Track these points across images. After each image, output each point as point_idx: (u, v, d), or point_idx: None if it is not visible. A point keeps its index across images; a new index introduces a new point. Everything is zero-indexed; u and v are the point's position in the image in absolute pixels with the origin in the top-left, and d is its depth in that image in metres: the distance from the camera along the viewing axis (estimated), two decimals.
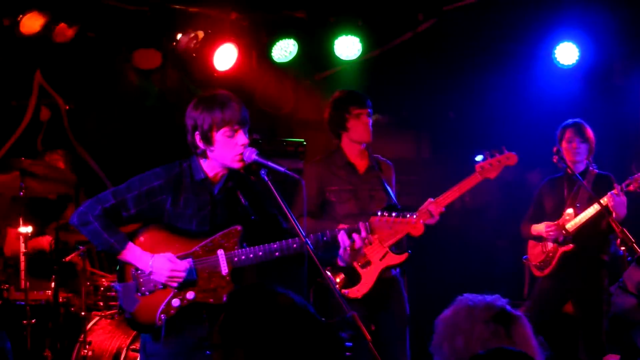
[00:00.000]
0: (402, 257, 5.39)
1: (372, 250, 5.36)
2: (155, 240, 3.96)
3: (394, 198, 5.53)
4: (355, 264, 5.35)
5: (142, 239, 3.97)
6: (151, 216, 3.97)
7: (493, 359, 2.26)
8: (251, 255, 3.93)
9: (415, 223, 4.04)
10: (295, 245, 3.90)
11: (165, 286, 3.91)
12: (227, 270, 3.92)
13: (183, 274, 3.88)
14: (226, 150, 3.90)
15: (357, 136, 5.55)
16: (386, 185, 5.54)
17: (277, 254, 3.92)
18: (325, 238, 3.94)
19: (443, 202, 5.31)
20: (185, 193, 3.98)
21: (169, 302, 3.90)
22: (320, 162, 5.64)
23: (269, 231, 4.11)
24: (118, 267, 4.03)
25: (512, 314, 2.58)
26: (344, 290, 5.35)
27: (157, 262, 3.88)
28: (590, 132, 6.25)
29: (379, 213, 4.05)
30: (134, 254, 3.91)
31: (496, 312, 2.55)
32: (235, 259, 3.93)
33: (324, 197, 5.52)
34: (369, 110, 5.53)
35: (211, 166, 4.00)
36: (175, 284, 3.88)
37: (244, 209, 4.07)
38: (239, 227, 3.97)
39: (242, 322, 2.47)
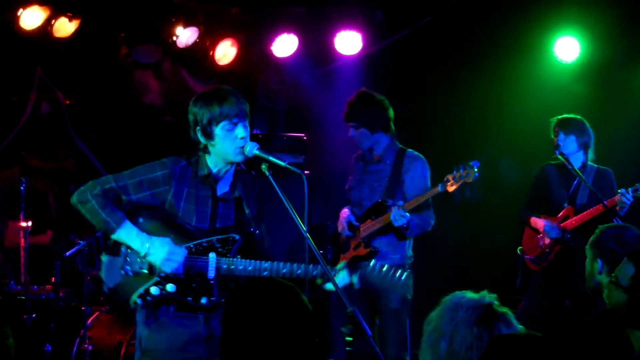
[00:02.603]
0: (365, 251, 5.55)
1: (352, 239, 5.64)
2: (153, 225, 3.94)
3: (403, 190, 5.61)
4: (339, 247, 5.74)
5: (140, 219, 3.95)
6: (152, 204, 3.96)
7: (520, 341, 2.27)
8: (240, 268, 3.91)
9: (400, 284, 4.04)
10: (284, 271, 3.88)
11: (151, 271, 3.90)
12: (212, 275, 3.91)
13: (180, 261, 3.86)
14: (226, 144, 3.90)
15: None
16: (402, 177, 5.62)
17: (265, 273, 3.89)
18: (315, 272, 3.91)
19: (407, 207, 5.40)
20: (188, 187, 3.97)
21: (148, 289, 3.89)
22: (356, 153, 5.94)
23: (257, 245, 4.12)
24: (111, 241, 3.97)
25: (498, 312, 2.56)
26: None
27: (155, 243, 3.86)
28: (580, 125, 6.15)
29: (371, 264, 4.07)
30: (130, 233, 3.87)
31: (481, 314, 2.54)
32: (224, 266, 3.92)
33: None
34: (351, 123, 5.71)
35: (214, 162, 3.99)
36: (168, 270, 3.86)
37: (247, 220, 4.06)
38: (237, 237, 3.97)
39: (243, 316, 2.48)
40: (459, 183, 5.31)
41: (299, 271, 3.85)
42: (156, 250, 3.85)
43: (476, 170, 5.29)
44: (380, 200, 5.58)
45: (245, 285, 2.63)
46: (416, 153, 5.76)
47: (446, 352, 2.52)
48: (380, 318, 5.59)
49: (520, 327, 2.57)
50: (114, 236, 3.89)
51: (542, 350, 2.20)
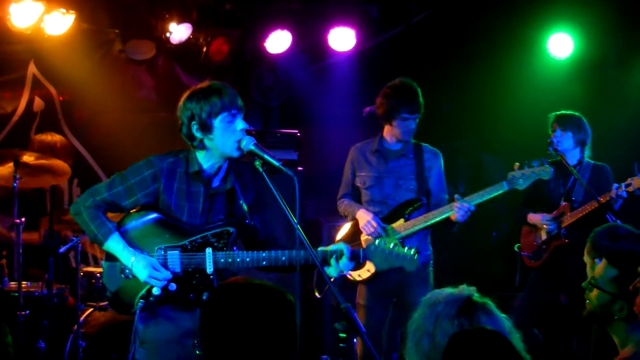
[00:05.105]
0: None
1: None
2: (146, 229, 3.99)
3: (428, 187, 5.58)
4: None
5: (133, 224, 4.01)
6: (147, 203, 4.00)
7: (472, 336, 2.29)
8: (238, 260, 3.95)
9: (410, 259, 4.04)
10: (284, 258, 3.92)
11: None
12: (211, 270, 3.94)
13: (162, 282, 3.91)
14: (226, 136, 3.90)
15: (397, 135, 5.63)
16: (426, 174, 5.58)
17: (264, 263, 3.94)
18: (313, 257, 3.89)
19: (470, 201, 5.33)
20: (178, 183, 3.99)
21: (150, 289, 3.93)
22: (360, 146, 5.77)
23: (255, 237, 4.15)
24: None
25: (477, 302, 2.59)
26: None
27: (138, 264, 3.92)
28: (577, 122, 6.17)
29: (377, 242, 4.05)
30: (117, 247, 3.95)
31: (461, 306, 2.56)
32: (222, 260, 3.95)
33: (355, 181, 5.69)
34: (418, 115, 5.59)
35: (209, 157, 3.98)
36: (154, 284, 3.91)
37: (241, 212, 4.07)
38: (232, 230, 3.98)
39: (222, 318, 2.45)
40: (532, 180, 5.29)
41: (298, 258, 3.89)
42: (138, 270, 3.91)
43: (548, 166, 5.28)
44: (413, 198, 5.49)
45: (219, 289, 2.58)
46: (433, 148, 5.73)
47: (429, 347, 2.55)
48: (405, 312, 5.47)
49: (503, 315, 2.59)
50: (104, 247, 3.98)
51: (498, 345, 2.22)
